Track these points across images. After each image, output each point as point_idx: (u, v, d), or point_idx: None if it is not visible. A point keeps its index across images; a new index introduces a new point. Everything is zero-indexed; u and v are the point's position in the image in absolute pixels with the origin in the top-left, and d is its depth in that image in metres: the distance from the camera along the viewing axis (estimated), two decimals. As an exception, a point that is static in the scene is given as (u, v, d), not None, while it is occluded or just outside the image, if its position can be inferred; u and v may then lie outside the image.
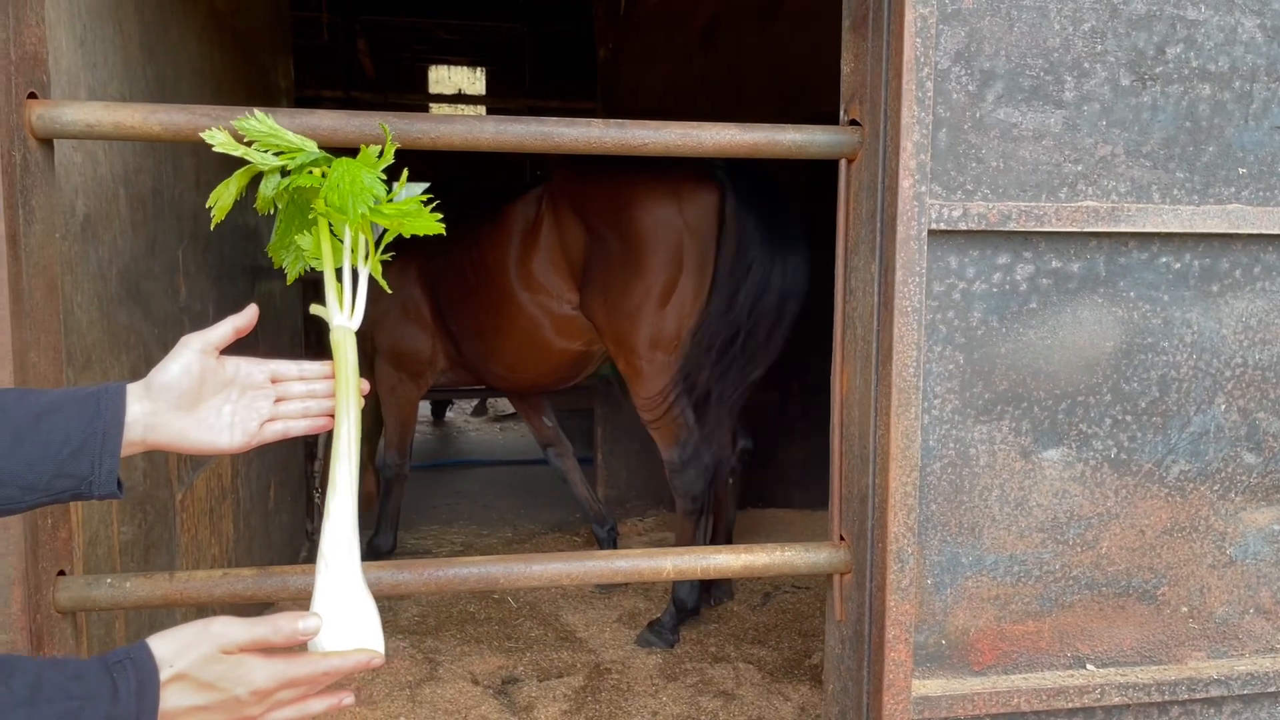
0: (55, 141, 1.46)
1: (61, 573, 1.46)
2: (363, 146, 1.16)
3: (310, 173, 1.14)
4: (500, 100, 9.78)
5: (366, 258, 1.18)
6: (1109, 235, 1.58)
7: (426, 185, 4.23)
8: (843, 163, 1.65)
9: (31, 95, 1.38)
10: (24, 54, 1.37)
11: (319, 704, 1.01)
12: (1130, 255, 1.60)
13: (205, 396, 1.06)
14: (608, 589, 3.90)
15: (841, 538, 1.71)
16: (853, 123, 1.62)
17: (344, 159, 1.14)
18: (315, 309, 1.18)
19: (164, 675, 0.90)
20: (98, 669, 0.88)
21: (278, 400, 1.12)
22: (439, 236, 1.19)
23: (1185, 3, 1.56)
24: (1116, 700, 1.66)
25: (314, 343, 4.36)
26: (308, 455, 4.19)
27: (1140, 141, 1.58)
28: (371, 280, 1.18)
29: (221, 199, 1.17)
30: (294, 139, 1.15)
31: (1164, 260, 1.61)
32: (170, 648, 0.92)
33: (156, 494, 2.18)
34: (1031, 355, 1.60)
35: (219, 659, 0.93)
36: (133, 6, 2.08)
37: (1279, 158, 1.62)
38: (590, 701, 2.97)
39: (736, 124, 1.59)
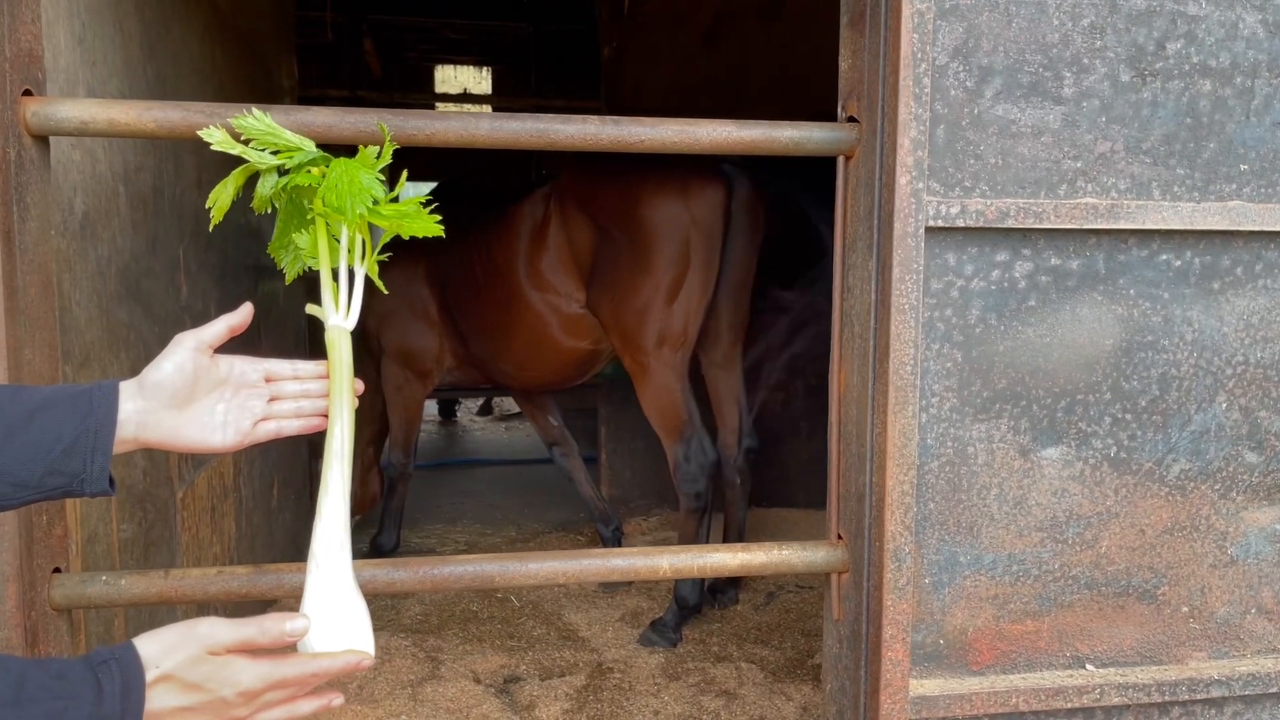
0: (53, 139, 1.46)
1: (57, 570, 1.47)
2: (361, 147, 1.16)
3: (309, 172, 1.14)
4: (506, 99, 9.80)
5: (363, 258, 1.17)
6: (1108, 232, 1.57)
7: (434, 185, 4.24)
8: (840, 160, 1.64)
9: (27, 92, 1.38)
10: (19, 51, 1.37)
11: (308, 705, 1.01)
12: (1130, 252, 1.59)
13: (198, 395, 1.06)
14: (611, 588, 3.89)
15: (839, 536, 1.71)
16: (850, 119, 1.62)
17: (342, 159, 1.14)
18: (311, 309, 1.17)
19: (150, 676, 0.90)
20: (83, 669, 0.87)
21: (272, 399, 1.12)
22: (447, 235, 1.18)
23: (1186, -2, 1.55)
24: (1116, 700, 1.65)
25: (318, 342, 4.36)
26: (312, 454, 4.20)
27: (1140, 138, 1.56)
28: (370, 280, 1.18)
29: (220, 199, 1.17)
30: (291, 138, 1.15)
31: (1164, 258, 1.60)
32: (156, 648, 0.92)
33: (157, 492, 2.18)
34: (1030, 353, 1.59)
35: (205, 660, 0.93)
36: (133, 5, 2.09)
37: (1281, 154, 1.61)
38: (592, 701, 2.96)
39: (733, 121, 1.58)
